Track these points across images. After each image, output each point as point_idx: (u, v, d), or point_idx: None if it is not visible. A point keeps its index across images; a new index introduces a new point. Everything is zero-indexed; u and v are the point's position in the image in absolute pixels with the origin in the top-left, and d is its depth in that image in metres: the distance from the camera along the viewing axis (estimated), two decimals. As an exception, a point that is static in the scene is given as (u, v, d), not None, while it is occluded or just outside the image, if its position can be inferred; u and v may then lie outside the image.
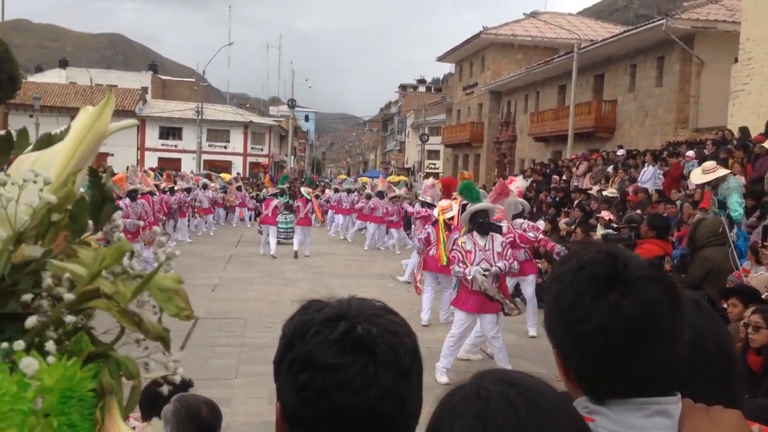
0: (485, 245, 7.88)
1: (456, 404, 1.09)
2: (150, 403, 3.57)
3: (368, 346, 1.10)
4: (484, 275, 7.68)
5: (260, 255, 18.19)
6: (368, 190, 23.61)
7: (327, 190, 29.58)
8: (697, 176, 9.50)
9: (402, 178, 31.96)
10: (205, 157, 46.32)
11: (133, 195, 14.25)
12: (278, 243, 18.33)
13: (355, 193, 25.67)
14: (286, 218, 18.34)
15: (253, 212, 27.06)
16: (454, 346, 8.06)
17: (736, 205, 9.08)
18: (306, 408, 1.10)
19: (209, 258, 17.41)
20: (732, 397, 1.49)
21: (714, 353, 1.56)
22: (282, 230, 18.37)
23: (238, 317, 10.69)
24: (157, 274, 0.92)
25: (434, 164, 56.29)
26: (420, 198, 17.13)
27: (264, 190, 24.32)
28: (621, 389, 1.26)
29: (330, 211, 27.89)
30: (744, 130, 14.64)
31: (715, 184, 9.08)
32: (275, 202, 18.45)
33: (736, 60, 18.11)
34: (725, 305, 5.68)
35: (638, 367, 1.24)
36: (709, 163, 9.60)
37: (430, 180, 16.73)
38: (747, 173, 12.08)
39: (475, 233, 8.00)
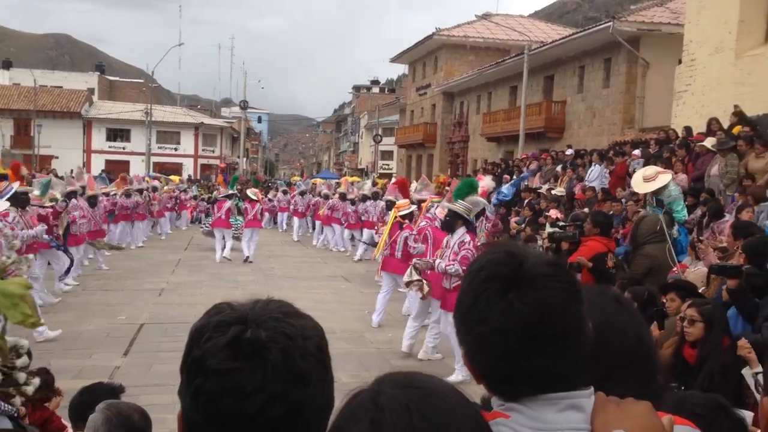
0: (448, 242, 8.21)
1: (354, 409, 1.08)
2: (78, 413, 3.46)
3: (258, 351, 1.08)
4: (417, 266, 8.46)
5: (210, 258, 17.91)
6: (325, 190, 23.44)
7: (278, 193, 29.29)
8: (639, 185, 9.20)
9: (356, 179, 31.89)
10: (154, 159, 45.34)
11: (70, 196, 13.68)
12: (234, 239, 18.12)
13: (309, 195, 25.51)
14: (236, 219, 18.20)
15: (203, 214, 26.61)
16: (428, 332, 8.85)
17: (680, 209, 9.25)
18: (199, 413, 1.10)
19: (157, 262, 17.08)
20: (652, 390, 1.50)
21: (634, 347, 1.58)
22: (234, 226, 18.18)
23: (184, 321, 10.47)
24: (2, 279, 0.86)
25: (388, 165, 56.40)
26: (385, 197, 17.16)
27: (215, 192, 23.93)
28: (524, 389, 1.25)
29: (281, 213, 27.75)
30: (687, 130, 14.98)
31: (657, 193, 9.15)
32: (228, 204, 18.16)
33: (680, 62, 18.54)
34: (665, 300, 5.79)
35: (538, 366, 1.23)
36: (650, 170, 9.44)
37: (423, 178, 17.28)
38: (689, 171, 12.37)
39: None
